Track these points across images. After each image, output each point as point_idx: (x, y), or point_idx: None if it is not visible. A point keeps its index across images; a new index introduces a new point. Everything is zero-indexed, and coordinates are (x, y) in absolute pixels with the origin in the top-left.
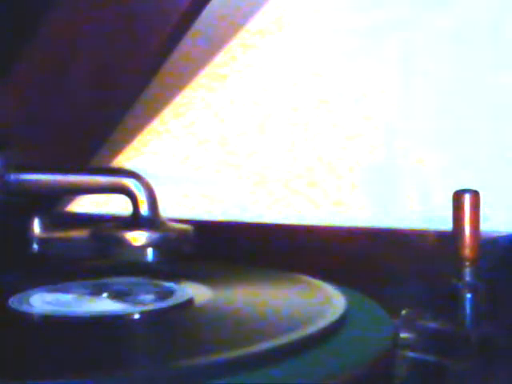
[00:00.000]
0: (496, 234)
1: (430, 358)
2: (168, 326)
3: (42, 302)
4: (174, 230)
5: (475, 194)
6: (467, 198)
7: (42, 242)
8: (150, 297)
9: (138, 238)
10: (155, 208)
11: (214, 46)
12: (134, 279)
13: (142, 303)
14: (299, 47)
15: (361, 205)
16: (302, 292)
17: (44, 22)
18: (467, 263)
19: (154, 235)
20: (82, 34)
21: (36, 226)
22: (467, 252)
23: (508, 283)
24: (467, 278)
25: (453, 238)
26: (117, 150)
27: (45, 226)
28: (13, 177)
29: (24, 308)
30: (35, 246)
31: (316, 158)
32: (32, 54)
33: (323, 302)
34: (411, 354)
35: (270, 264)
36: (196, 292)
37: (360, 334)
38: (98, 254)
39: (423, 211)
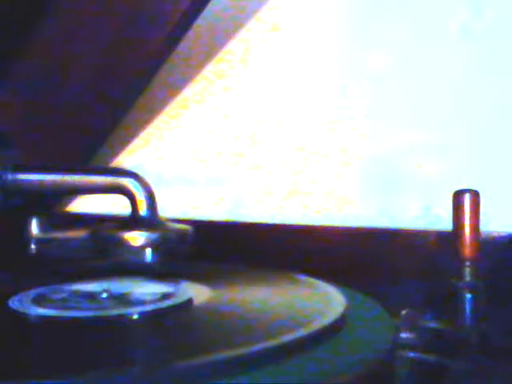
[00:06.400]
0: (496, 234)
1: (430, 358)
2: (168, 326)
3: (42, 302)
4: (172, 230)
5: (475, 194)
6: (467, 197)
7: (39, 242)
8: (149, 297)
9: (136, 238)
10: (154, 208)
11: (214, 45)
12: (133, 279)
13: (142, 303)
14: (303, 46)
15: (361, 205)
16: (302, 292)
17: (44, 23)
18: (467, 263)
19: (153, 235)
20: (81, 34)
21: (33, 227)
22: (467, 252)
23: (508, 283)
24: (467, 278)
25: (453, 237)
26: (117, 150)
27: (42, 227)
28: (11, 177)
29: (24, 308)
30: (33, 247)
31: (316, 158)
32: (32, 55)
33: (323, 301)
34: (411, 354)
35: (270, 264)
36: (196, 292)
37: (360, 333)
38: (97, 254)
39: (423, 211)
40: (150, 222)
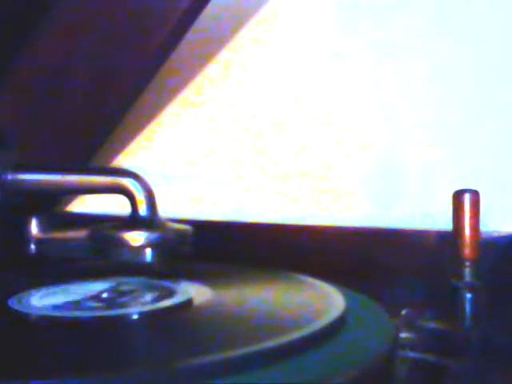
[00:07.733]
0: (496, 234)
1: (430, 357)
2: (168, 326)
3: (42, 302)
4: (172, 230)
5: (475, 194)
6: (467, 197)
7: (39, 242)
8: (149, 297)
9: (136, 238)
10: (154, 208)
11: (214, 45)
12: (133, 279)
13: (142, 303)
14: (303, 44)
15: (361, 205)
16: (302, 292)
17: (44, 23)
18: (467, 263)
19: (153, 235)
20: (81, 34)
21: (33, 227)
22: (467, 252)
23: (508, 283)
24: (467, 278)
25: (453, 237)
26: (117, 150)
27: (42, 227)
28: (10, 177)
29: (24, 308)
30: (32, 247)
31: (315, 159)
32: (32, 55)
33: (323, 302)
34: (411, 354)
35: (270, 264)
36: (196, 292)
37: (360, 333)
38: (97, 254)
39: (423, 211)
40: (149, 222)
